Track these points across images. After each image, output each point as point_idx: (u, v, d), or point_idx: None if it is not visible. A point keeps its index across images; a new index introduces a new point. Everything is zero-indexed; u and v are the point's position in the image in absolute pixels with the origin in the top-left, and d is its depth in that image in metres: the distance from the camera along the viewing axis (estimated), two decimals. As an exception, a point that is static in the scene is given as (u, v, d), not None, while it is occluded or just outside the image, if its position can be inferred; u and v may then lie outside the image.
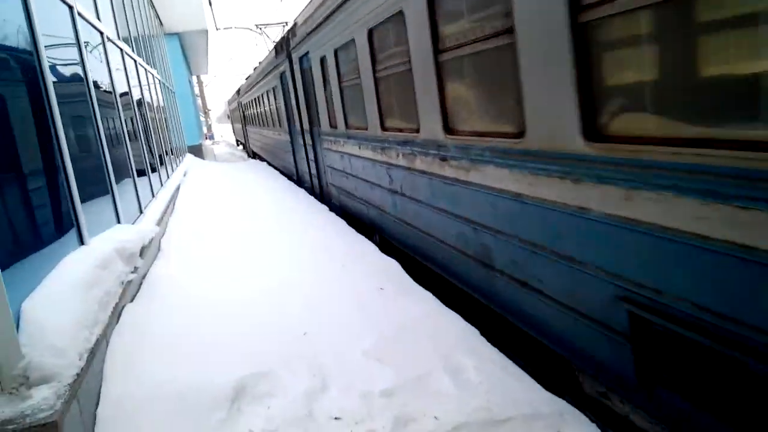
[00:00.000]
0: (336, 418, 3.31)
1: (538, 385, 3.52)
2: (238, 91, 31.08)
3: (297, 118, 11.76)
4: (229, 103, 47.05)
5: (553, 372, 3.92)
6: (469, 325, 4.38)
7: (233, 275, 6.08)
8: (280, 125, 15.18)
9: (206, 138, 41.48)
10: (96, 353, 3.65)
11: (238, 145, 45.86)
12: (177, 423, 3.31)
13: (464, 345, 4.02)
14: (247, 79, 25.17)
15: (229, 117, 50.99)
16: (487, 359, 3.83)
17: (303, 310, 4.88)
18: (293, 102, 11.82)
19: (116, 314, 4.48)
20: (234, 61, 59.71)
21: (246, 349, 4.14)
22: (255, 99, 21.37)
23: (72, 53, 5.70)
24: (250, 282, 5.77)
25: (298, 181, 13.88)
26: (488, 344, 4.07)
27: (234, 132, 48.00)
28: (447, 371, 3.69)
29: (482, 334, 4.24)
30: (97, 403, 3.47)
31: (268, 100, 16.63)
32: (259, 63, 19.26)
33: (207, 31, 25.65)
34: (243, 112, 30.90)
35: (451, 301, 5.00)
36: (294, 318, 4.71)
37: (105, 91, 7.06)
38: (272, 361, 3.93)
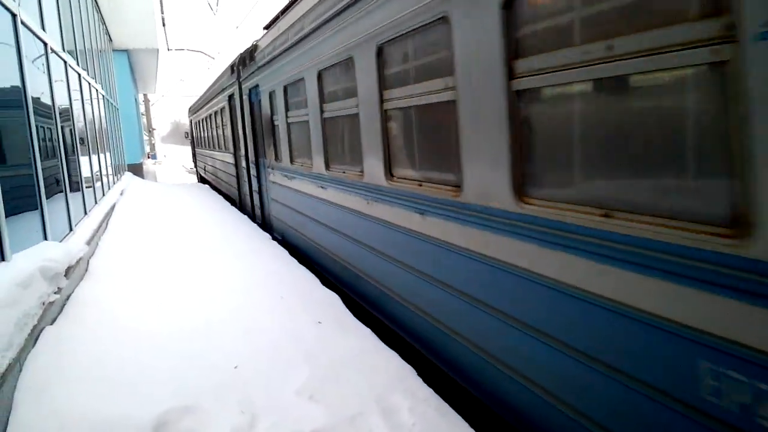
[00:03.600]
0: (262, 458, 3.17)
1: (470, 429, 3.48)
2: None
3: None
4: (192, 112, 26.26)
5: (486, 415, 3.90)
6: (405, 364, 4.32)
7: (163, 301, 5.83)
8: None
9: (148, 157, 39.30)
10: (7, 378, 3.40)
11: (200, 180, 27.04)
12: (90, 459, 3.09)
13: (400, 385, 3.96)
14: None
15: (187, 136, 32.08)
16: (422, 400, 3.77)
17: (235, 341, 4.72)
18: None
19: (33, 337, 4.20)
20: (185, 82, 58.81)
21: (171, 381, 3.94)
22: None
23: (11, 62, 5.46)
24: (181, 309, 5.55)
25: None
26: (424, 384, 4.02)
27: (195, 160, 28.82)
28: (380, 411, 3.62)
29: (419, 374, 4.19)
30: (3, 434, 3.22)
31: None
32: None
33: (158, 50, 25.22)
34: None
35: (389, 339, 4.94)
36: (225, 349, 4.54)
37: (43, 102, 6.78)
38: (199, 394, 3.76)
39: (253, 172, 11.15)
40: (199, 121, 23.03)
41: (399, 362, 4.35)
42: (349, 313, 5.52)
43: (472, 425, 3.54)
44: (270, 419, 3.53)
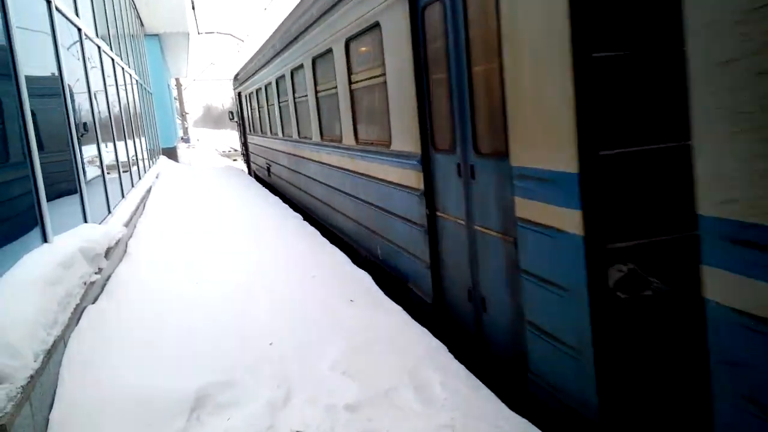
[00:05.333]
0: None
1: (502, 404, 3.51)
2: None
3: None
4: (242, 81, 17.40)
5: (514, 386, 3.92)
6: (437, 340, 4.36)
7: (201, 281, 5.97)
8: None
9: (182, 140, 39.60)
10: (53, 355, 3.53)
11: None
12: (133, 430, 3.22)
13: (431, 360, 4.00)
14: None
15: (232, 118, 22.54)
16: (454, 375, 3.81)
17: (271, 319, 4.81)
18: None
19: (77, 316, 4.35)
20: (216, 65, 59.07)
21: (210, 357, 4.05)
22: None
23: (47, 48, 5.58)
24: (218, 288, 5.67)
25: None
26: (455, 360, 4.06)
27: (248, 155, 19.74)
28: (413, 387, 3.66)
29: (450, 350, 4.22)
30: (51, 407, 3.36)
31: None
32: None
33: (188, 34, 25.45)
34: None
35: (420, 316, 4.98)
36: (261, 327, 4.63)
37: (79, 88, 6.93)
38: (236, 369, 3.86)
39: None
40: (259, 91, 13.40)
41: (430, 339, 4.39)
42: (380, 290, 5.57)
43: (503, 399, 3.56)
44: (305, 393, 3.60)
